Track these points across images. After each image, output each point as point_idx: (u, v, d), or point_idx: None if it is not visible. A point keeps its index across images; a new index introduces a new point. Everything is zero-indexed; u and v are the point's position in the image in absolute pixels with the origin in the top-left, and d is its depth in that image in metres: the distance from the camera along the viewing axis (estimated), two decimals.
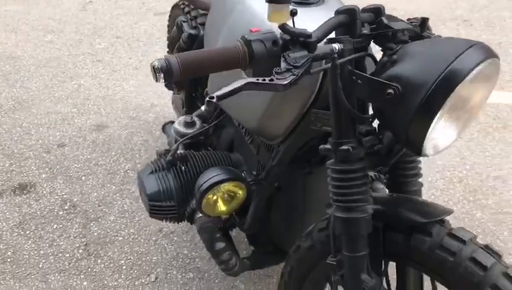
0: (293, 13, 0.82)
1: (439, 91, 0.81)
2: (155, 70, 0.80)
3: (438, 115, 0.82)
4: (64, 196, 2.23)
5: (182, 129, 1.55)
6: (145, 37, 3.84)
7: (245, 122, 1.25)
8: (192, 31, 1.71)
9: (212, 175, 1.24)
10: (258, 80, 0.78)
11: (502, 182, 2.23)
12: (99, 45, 3.73)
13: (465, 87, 0.82)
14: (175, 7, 2.23)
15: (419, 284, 1.07)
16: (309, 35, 0.82)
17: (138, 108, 2.89)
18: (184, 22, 1.76)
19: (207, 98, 0.78)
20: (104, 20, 4.16)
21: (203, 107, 1.63)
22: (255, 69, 0.83)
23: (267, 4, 0.83)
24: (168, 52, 2.49)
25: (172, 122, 2.13)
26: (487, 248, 0.91)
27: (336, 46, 0.85)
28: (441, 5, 4.17)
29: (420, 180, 1.09)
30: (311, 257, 1.16)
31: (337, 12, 0.92)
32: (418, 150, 0.88)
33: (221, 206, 1.28)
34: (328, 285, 1.20)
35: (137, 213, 2.12)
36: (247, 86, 0.79)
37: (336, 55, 0.85)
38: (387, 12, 0.94)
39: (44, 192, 2.26)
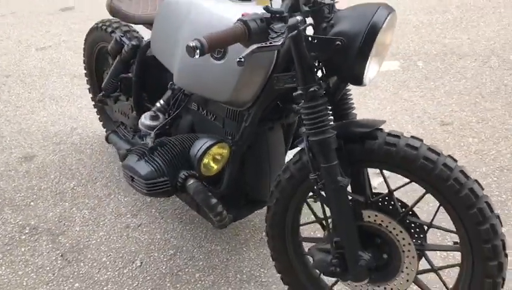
0: None
1: (368, 38, 1.25)
2: (192, 48, 1.11)
3: (370, 54, 1.27)
4: (20, 223, 2.32)
5: (149, 122, 1.83)
6: (36, 71, 3.89)
7: (216, 97, 1.59)
8: (134, 42, 2.00)
9: (203, 143, 1.57)
10: (264, 43, 1.15)
11: None
12: None
13: (382, 33, 1.28)
14: (93, 30, 2.46)
15: (367, 181, 1.51)
16: (282, 12, 1.21)
17: (59, 134, 3.01)
18: (122, 36, 2.03)
19: (238, 60, 1.11)
20: None
21: (158, 104, 1.92)
22: (253, 40, 1.20)
23: None
24: (86, 74, 2.70)
25: (114, 131, 2.38)
26: (414, 137, 1.38)
27: (299, 17, 1.25)
28: None
29: (354, 111, 1.54)
30: (292, 185, 1.54)
31: None
32: (360, 81, 1.32)
33: (214, 166, 1.61)
34: (305, 205, 1.59)
35: (100, 219, 2.30)
36: (258, 49, 1.15)
37: (299, 24, 1.25)
38: None
39: None
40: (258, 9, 1.51)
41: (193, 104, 1.83)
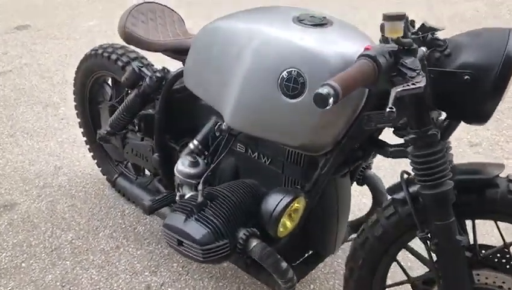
0: (406, 27, 0.96)
1: (504, 70, 1.04)
2: (324, 96, 0.85)
3: (506, 88, 1.05)
4: None
5: (190, 170, 1.53)
6: (1, 100, 3.44)
7: (288, 141, 1.32)
8: (159, 74, 1.68)
9: (278, 198, 1.29)
10: (404, 86, 0.90)
11: None
12: None
13: None
14: (89, 57, 2.12)
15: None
16: (412, 44, 0.97)
17: (42, 175, 2.61)
18: (141, 67, 1.71)
19: (388, 109, 0.86)
20: None
21: (191, 145, 1.63)
22: (381, 80, 0.95)
23: (383, 21, 0.95)
24: (76, 105, 2.35)
25: (122, 174, 2.04)
26: None
27: (424, 49, 1.02)
28: None
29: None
30: (383, 243, 1.29)
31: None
32: (485, 120, 1.10)
33: (289, 225, 1.33)
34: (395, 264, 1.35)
35: (113, 279, 1.95)
36: (399, 93, 0.90)
37: (424, 57, 1.01)
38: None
39: None
40: (336, 35, 1.28)
41: (239, 145, 1.55)
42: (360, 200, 2.22)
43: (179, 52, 1.69)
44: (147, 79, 1.69)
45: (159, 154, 1.78)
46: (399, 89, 0.90)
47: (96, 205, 2.37)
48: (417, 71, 0.93)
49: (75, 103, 2.36)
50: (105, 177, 2.41)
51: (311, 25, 1.29)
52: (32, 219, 2.29)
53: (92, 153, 2.41)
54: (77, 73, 2.24)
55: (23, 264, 2.05)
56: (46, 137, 2.96)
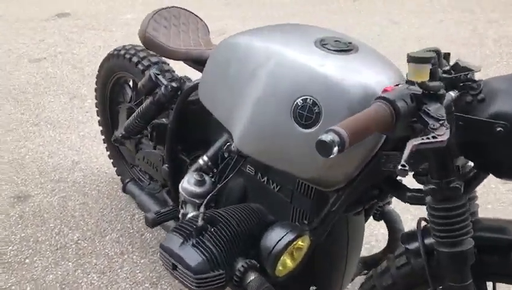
0: (433, 70, 0.85)
1: None
2: (328, 144, 0.75)
3: None
4: (13, 287, 1.90)
5: (195, 189, 1.46)
6: (30, 88, 3.46)
7: (298, 172, 1.23)
8: (175, 84, 1.61)
9: (281, 235, 1.20)
10: (423, 139, 0.79)
11: None
12: None
13: None
14: (111, 57, 2.08)
15: None
16: (440, 88, 0.86)
17: (58, 168, 2.59)
18: (158, 74, 1.64)
19: (400, 167, 0.75)
20: None
21: (200, 161, 1.55)
22: (399, 127, 0.84)
23: (408, 63, 0.84)
24: (96, 102, 2.31)
25: (133, 180, 1.99)
26: None
27: (453, 94, 0.90)
28: None
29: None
30: None
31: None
32: None
33: (290, 263, 1.23)
34: None
35: (111, 287, 1.90)
36: (415, 147, 0.79)
37: (451, 103, 0.90)
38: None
39: None
40: (359, 64, 1.17)
41: (249, 166, 1.46)
42: (378, 230, 2.09)
43: (198, 63, 1.62)
44: (162, 88, 1.62)
45: (168, 166, 1.71)
46: (416, 142, 0.78)
47: (107, 205, 2.33)
48: (441, 122, 0.82)
49: (96, 101, 2.32)
50: (119, 177, 2.36)
51: (334, 50, 1.18)
52: (43, 214, 2.27)
53: (108, 152, 2.37)
54: (99, 71, 2.20)
55: (26, 261, 2.03)
56: (68, 129, 2.95)
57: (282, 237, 1.20)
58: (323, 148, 0.76)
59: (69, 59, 3.90)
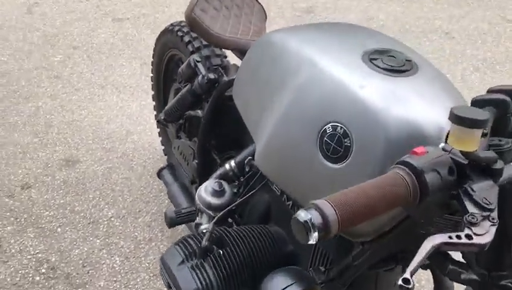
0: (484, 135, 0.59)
1: None
2: (304, 225, 0.54)
3: None
4: (39, 255, 1.89)
5: (210, 199, 1.29)
6: (106, 47, 3.45)
7: None
8: (212, 75, 1.43)
9: (284, 284, 1.00)
10: (451, 237, 0.55)
11: None
12: (54, 57, 3.30)
13: None
14: (166, 32, 1.93)
15: None
16: (495, 161, 0.60)
17: (112, 137, 2.54)
18: (198, 61, 1.47)
19: (400, 282, 0.52)
20: (55, 26, 3.70)
21: (227, 166, 1.37)
22: (423, 207, 0.60)
23: (450, 123, 0.59)
24: (152, 76, 2.19)
25: (171, 166, 1.86)
26: None
27: None
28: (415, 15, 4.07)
29: None
30: None
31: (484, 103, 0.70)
32: None
33: None
34: None
35: (131, 275, 1.82)
36: (437, 246, 0.55)
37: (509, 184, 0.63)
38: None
39: (13, 251, 1.90)
40: (411, 91, 0.91)
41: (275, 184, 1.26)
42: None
43: (243, 54, 1.42)
44: (199, 78, 1.44)
45: (198, 162, 1.56)
46: (439, 241, 0.54)
47: (148, 185, 2.24)
48: (485, 214, 0.56)
49: (151, 75, 2.21)
50: (166, 157, 2.26)
51: (384, 68, 0.93)
52: (85, 183, 2.24)
53: (158, 129, 2.27)
54: (156, 45, 2.07)
55: (58, 229, 2.00)
56: (132, 97, 2.89)
57: (286, 288, 0.99)
58: (299, 230, 0.55)
59: (150, 22, 3.84)
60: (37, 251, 1.90)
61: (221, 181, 1.31)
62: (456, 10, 4.01)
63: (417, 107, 0.87)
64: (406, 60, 0.96)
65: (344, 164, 0.90)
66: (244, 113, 1.24)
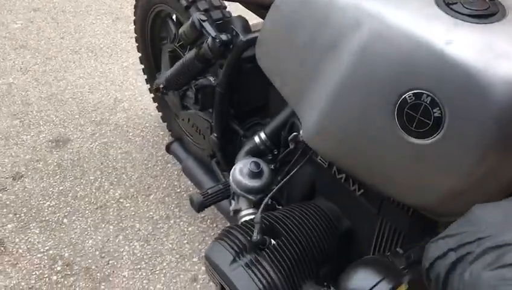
0: None
1: None
2: None
3: None
4: (50, 252, 1.73)
5: (249, 183, 1.13)
6: (70, 5, 3.12)
7: (403, 196, 0.86)
8: (225, 37, 1.22)
9: (372, 282, 0.86)
10: None
11: None
12: (14, 23, 2.96)
13: None
14: None
15: None
16: None
17: (100, 107, 2.32)
18: (204, 20, 1.25)
19: None
20: None
21: (256, 139, 1.21)
22: None
23: None
24: (136, 37, 1.96)
25: (179, 140, 1.68)
26: None
27: None
28: None
29: None
30: None
31: None
32: None
33: None
34: None
35: (156, 260, 1.69)
36: None
37: None
38: None
39: (21, 251, 1.74)
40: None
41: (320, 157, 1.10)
42: None
43: (260, 6, 1.21)
44: (209, 40, 1.23)
45: (217, 136, 1.38)
46: None
47: (152, 156, 2.07)
48: None
49: (135, 35, 1.97)
50: (165, 124, 2.07)
51: (469, 15, 0.75)
52: (82, 163, 2.05)
53: (152, 95, 2.06)
54: (135, 8, 1.82)
55: (65, 220, 1.84)
56: (111, 59, 2.64)
57: (375, 286, 0.86)
58: None
59: None
60: (47, 247, 1.74)
61: (258, 160, 1.15)
62: None
63: None
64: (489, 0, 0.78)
65: (434, 139, 0.74)
66: (276, 81, 1.06)
